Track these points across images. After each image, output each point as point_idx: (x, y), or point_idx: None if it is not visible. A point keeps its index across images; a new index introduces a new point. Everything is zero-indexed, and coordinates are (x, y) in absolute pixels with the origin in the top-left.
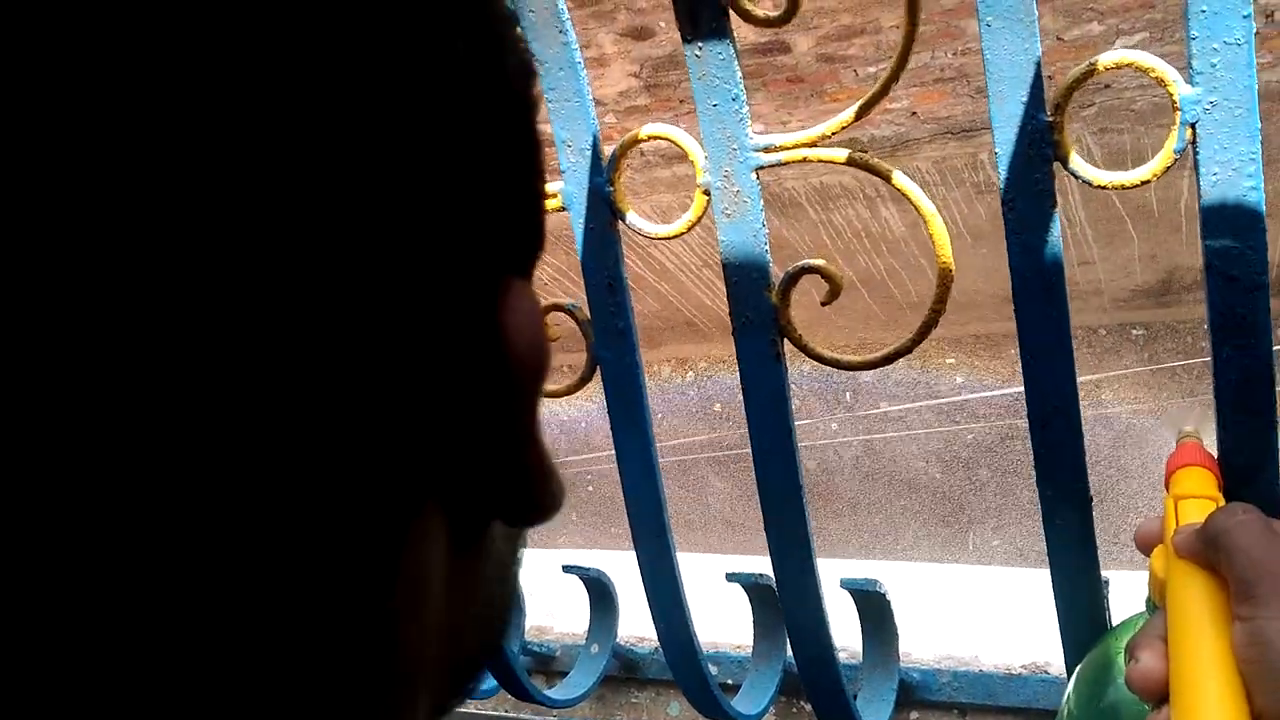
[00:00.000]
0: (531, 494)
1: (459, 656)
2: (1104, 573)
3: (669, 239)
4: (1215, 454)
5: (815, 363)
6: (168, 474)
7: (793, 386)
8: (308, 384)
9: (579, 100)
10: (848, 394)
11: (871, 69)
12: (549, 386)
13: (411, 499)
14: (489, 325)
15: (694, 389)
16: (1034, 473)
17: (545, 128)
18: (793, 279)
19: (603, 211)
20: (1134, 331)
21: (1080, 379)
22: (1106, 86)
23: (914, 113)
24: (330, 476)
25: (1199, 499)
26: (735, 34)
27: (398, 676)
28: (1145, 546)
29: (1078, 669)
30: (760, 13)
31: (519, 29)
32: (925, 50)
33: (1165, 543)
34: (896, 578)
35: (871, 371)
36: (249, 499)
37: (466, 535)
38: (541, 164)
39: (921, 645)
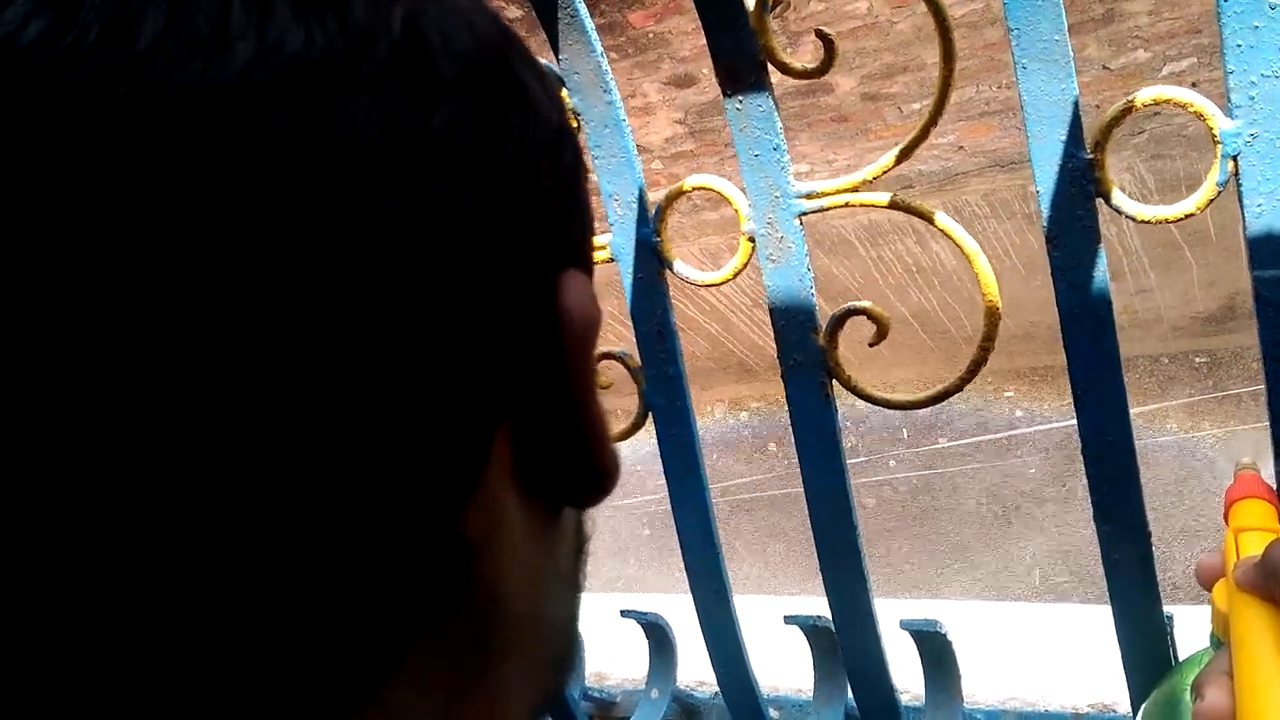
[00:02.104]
0: (590, 452)
1: (553, 646)
2: (1169, 609)
3: (716, 285)
4: (1275, 485)
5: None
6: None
7: (848, 424)
8: (415, 344)
9: (624, 156)
10: (905, 430)
11: (915, 105)
12: None
13: (482, 443)
14: (547, 300)
15: (748, 429)
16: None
17: (592, 179)
18: (839, 321)
19: (650, 261)
20: (1197, 359)
21: (1143, 408)
22: (1157, 114)
23: (961, 147)
24: (418, 419)
25: (1259, 531)
26: (775, 80)
27: (478, 610)
28: (1207, 581)
29: (1144, 707)
30: (797, 64)
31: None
32: (970, 84)
33: (1226, 576)
34: (958, 616)
35: (930, 409)
36: (356, 433)
37: (539, 495)
38: (583, 189)
39: (985, 686)
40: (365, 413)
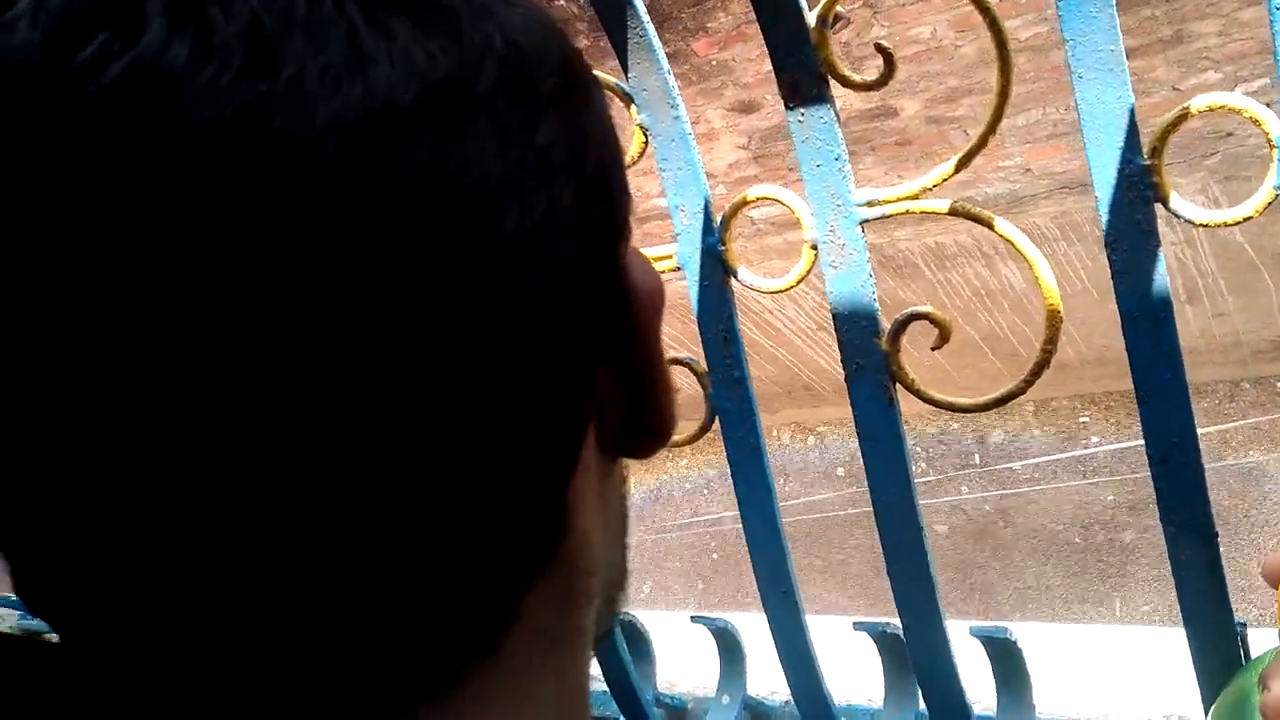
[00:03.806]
0: (657, 408)
1: (615, 569)
2: (1248, 627)
3: (780, 293)
4: None
5: (941, 426)
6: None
7: (918, 448)
8: (520, 339)
9: (690, 168)
10: (977, 455)
11: (982, 128)
12: (675, 436)
13: (581, 417)
14: (617, 275)
15: (815, 453)
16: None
17: (660, 201)
18: (902, 325)
19: (716, 269)
20: (1278, 383)
21: (1220, 427)
22: (1229, 134)
23: (1028, 169)
24: (531, 400)
25: None
26: (839, 100)
27: (572, 558)
28: (1274, 578)
29: (1213, 708)
30: (857, 77)
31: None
32: (1036, 107)
33: None
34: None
35: (1002, 432)
36: (486, 420)
37: (609, 447)
38: (624, 168)
39: (1057, 703)
40: (490, 398)
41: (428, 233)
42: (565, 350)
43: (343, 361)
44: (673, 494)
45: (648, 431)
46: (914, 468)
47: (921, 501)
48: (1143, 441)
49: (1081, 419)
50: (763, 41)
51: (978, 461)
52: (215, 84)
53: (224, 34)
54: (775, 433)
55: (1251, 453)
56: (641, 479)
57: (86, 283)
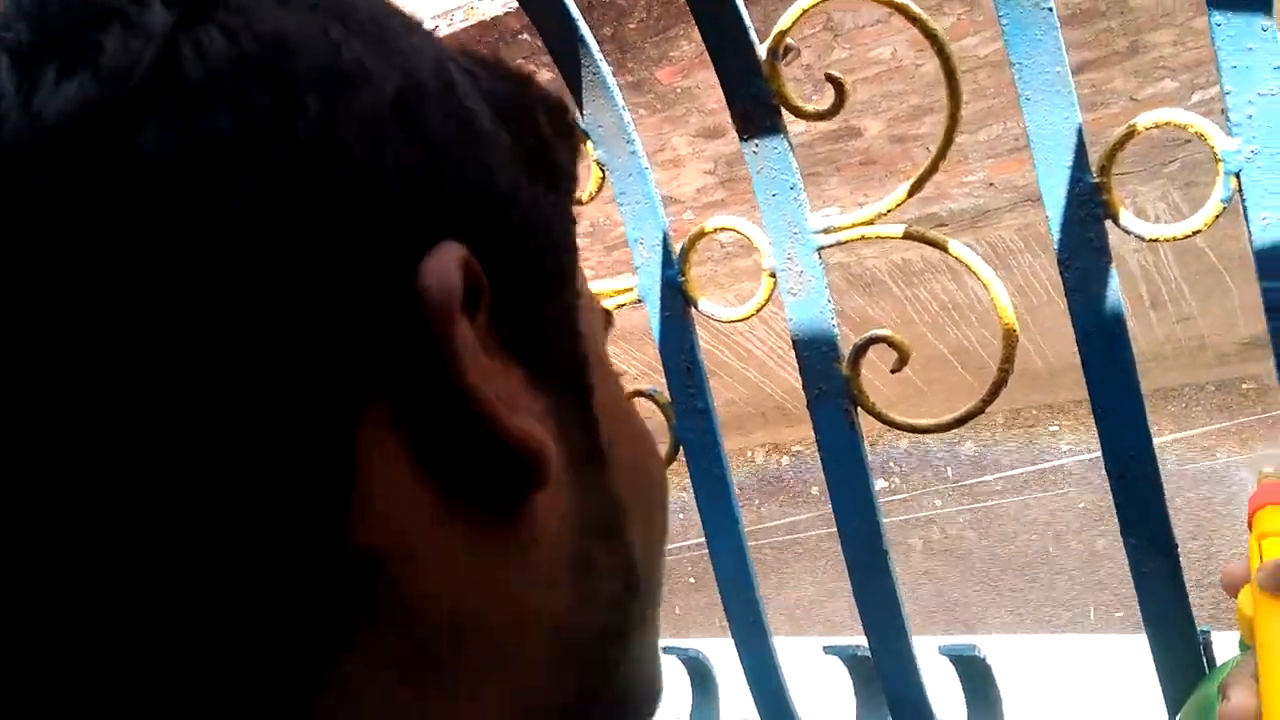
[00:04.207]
0: (493, 433)
1: (564, 664)
2: (1212, 633)
3: (741, 321)
4: None
5: (912, 441)
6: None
7: (890, 463)
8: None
9: (647, 202)
10: (948, 469)
11: (933, 152)
12: None
13: (342, 444)
14: (405, 280)
15: (790, 473)
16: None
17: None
18: (861, 349)
19: (677, 300)
20: (1244, 385)
21: (1190, 433)
22: (1187, 142)
23: (991, 183)
24: (265, 424)
25: None
26: (803, 122)
27: (402, 619)
28: (1232, 587)
29: (1177, 718)
30: (809, 107)
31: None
32: (997, 122)
33: (1251, 581)
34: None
35: (973, 444)
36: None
37: (460, 492)
38: (470, 148)
39: (1027, 716)
40: (214, 421)
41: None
42: (295, 365)
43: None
44: None
45: (495, 465)
46: (887, 483)
47: (895, 518)
48: None
49: (1051, 428)
50: None
51: (950, 475)
52: None
53: None
54: (749, 454)
55: (1219, 455)
56: None
57: None
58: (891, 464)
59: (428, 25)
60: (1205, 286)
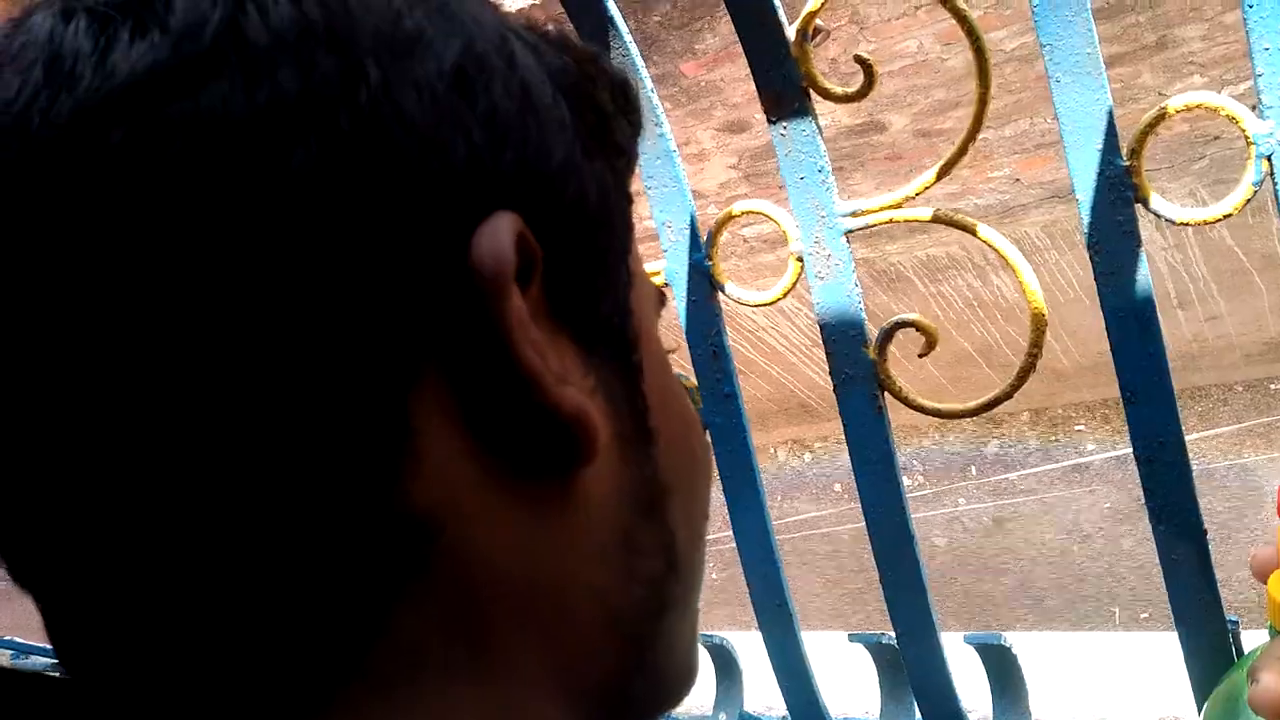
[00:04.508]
0: (541, 403)
1: (602, 636)
2: (1240, 626)
3: (768, 305)
4: None
5: (936, 438)
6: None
7: (915, 462)
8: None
9: (675, 185)
10: (973, 468)
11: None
12: None
13: (398, 412)
14: (458, 250)
15: (812, 470)
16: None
17: (651, 222)
18: (888, 334)
19: (703, 285)
20: (1273, 385)
21: (1216, 431)
22: (1216, 138)
23: (1017, 179)
24: (322, 393)
25: None
26: (828, 117)
27: (455, 580)
28: (1261, 573)
29: (1206, 705)
30: (838, 89)
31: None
32: (1024, 117)
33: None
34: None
35: (998, 443)
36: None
37: (509, 460)
38: (529, 119)
39: (1053, 709)
40: (271, 381)
41: (200, 167)
42: (363, 330)
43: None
44: None
45: (542, 434)
46: (911, 481)
47: (919, 514)
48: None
49: (1077, 427)
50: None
51: (974, 473)
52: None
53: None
54: (772, 450)
55: (1246, 454)
56: None
57: None
58: (915, 462)
59: None
60: (1233, 286)
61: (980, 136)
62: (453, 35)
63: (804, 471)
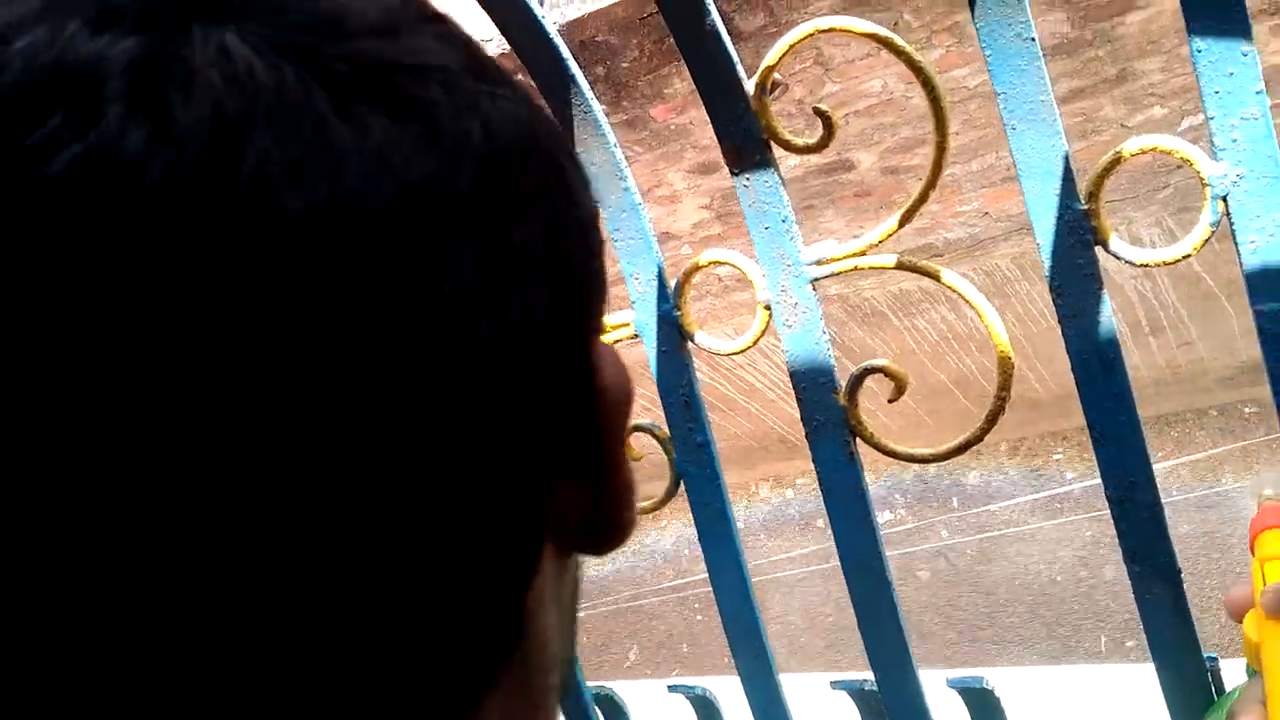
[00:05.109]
0: (619, 511)
1: (566, 657)
2: (1219, 661)
3: (738, 354)
4: None
5: (917, 471)
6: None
7: (895, 496)
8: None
9: (641, 238)
10: (954, 499)
11: (922, 182)
12: (641, 503)
13: (538, 525)
14: (589, 377)
15: (794, 506)
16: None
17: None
18: (858, 380)
19: (672, 335)
20: (1246, 409)
21: (1194, 458)
22: (1179, 167)
23: (986, 213)
24: (485, 511)
25: None
26: (798, 160)
27: (529, 659)
28: (1237, 612)
29: None
30: (798, 141)
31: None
32: (990, 152)
33: (1255, 606)
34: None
35: (978, 474)
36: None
37: (567, 550)
38: (601, 259)
39: None
40: (451, 509)
41: (396, 341)
42: (531, 462)
43: (299, 470)
44: (654, 556)
45: (607, 532)
46: (893, 514)
47: (902, 549)
48: None
49: (1055, 456)
50: None
51: (956, 505)
52: (173, 173)
53: (185, 120)
54: (754, 488)
55: (1224, 479)
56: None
57: (28, 381)
58: (896, 495)
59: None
60: (1204, 311)
61: (948, 172)
62: (586, 178)
63: (786, 508)
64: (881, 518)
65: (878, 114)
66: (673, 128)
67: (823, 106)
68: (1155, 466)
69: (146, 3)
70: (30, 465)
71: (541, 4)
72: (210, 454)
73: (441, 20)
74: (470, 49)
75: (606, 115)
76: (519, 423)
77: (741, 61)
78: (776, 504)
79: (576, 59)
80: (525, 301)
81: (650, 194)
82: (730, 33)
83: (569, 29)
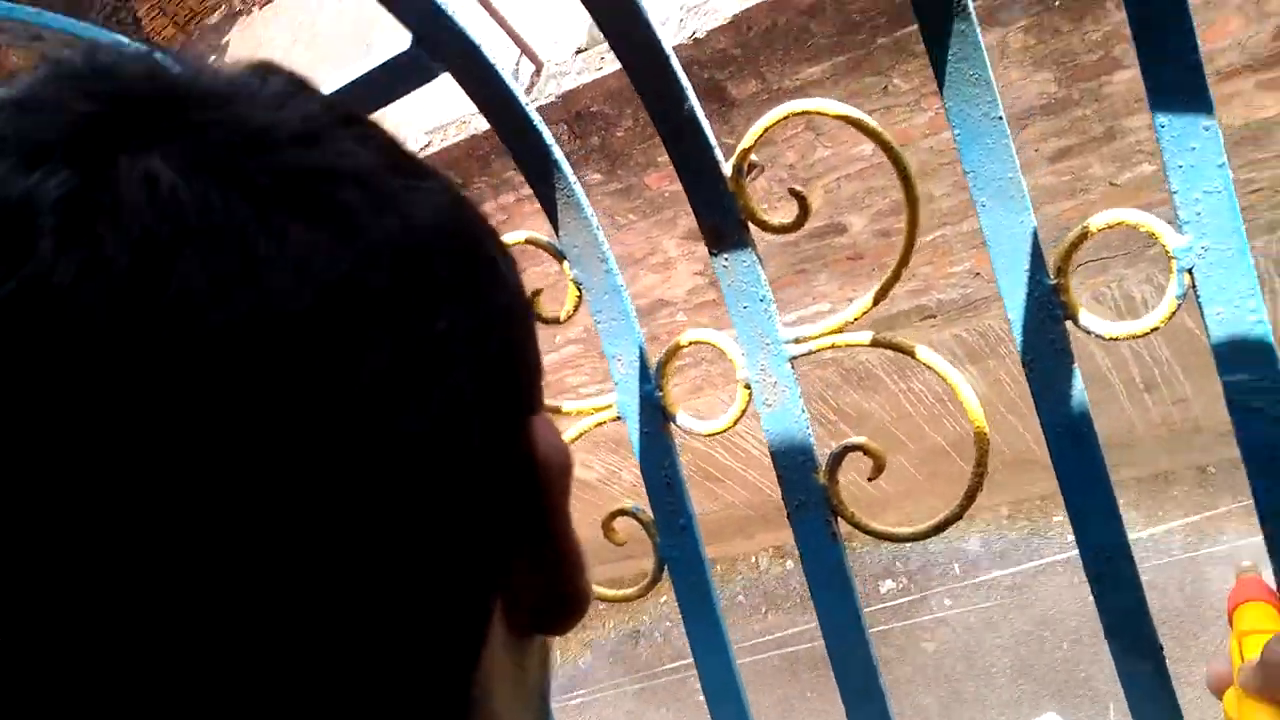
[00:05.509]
0: (568, 581)
1: None
2: None
3: (718, 434)
4: (1276, 585)
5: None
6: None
7: (896, 565)
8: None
9: (623, 319)
10: (955, 565)
11: (929, 236)
12: (628, 591)
13: (485, 609)
14: (526, 454)
15: (795, 578)
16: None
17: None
18: (838, 459)
19: (655, 416)
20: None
21: (1193, 518)
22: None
23: (977, 273)
24: (429, 602)
25: (1262, 633)
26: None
27: None
28: (1217, 688)
29: None
30: (775, 221)
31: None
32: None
33: (1233, 683)
34: None
35: (978, 539)
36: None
37: (520, 627)
38: (533, 338)
39: None
40: (391, 597)
41: (320, 437)
42: (476, 540)
43: (237, 567)
44: (654, 636)
45: (562, 604)
46: (895, 584)
47: (904, 621)
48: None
49: (1055, 518)
50: None
51: (957, 572)
52: (103, 300)
53: (112, 249)
54: (753, 559)
55: (1224, 537)
56: (622, 622)
57: None
58: (897, 564)
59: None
60: (1198, 367)
61: (938, 233)
62: (505, 268)
63: (787, 580)
64: (884, 586)
65: (869, 177)
66: (666, 195)
67: (798, 188)
68: (1155, 528)
69: (74, 137)
70: None
71: (538, 75)
72: (144, 557)
73: (360, 123)
74: (390, 148)
75: (601, 184)
76: (456, 505)
77: (735, 128)
78: (777, 574)
79: (572, 129)
80: (448, 389)
81: (644, 261)
82: (723, 100)
83: (565, 100)
